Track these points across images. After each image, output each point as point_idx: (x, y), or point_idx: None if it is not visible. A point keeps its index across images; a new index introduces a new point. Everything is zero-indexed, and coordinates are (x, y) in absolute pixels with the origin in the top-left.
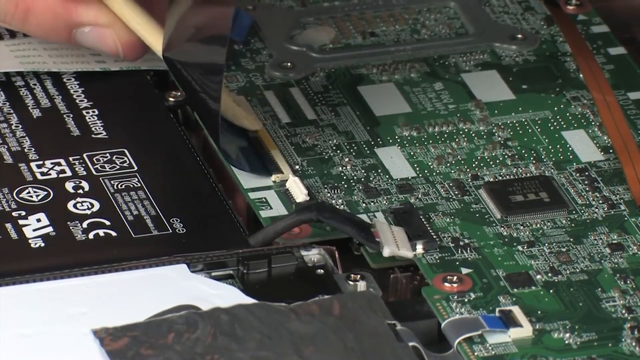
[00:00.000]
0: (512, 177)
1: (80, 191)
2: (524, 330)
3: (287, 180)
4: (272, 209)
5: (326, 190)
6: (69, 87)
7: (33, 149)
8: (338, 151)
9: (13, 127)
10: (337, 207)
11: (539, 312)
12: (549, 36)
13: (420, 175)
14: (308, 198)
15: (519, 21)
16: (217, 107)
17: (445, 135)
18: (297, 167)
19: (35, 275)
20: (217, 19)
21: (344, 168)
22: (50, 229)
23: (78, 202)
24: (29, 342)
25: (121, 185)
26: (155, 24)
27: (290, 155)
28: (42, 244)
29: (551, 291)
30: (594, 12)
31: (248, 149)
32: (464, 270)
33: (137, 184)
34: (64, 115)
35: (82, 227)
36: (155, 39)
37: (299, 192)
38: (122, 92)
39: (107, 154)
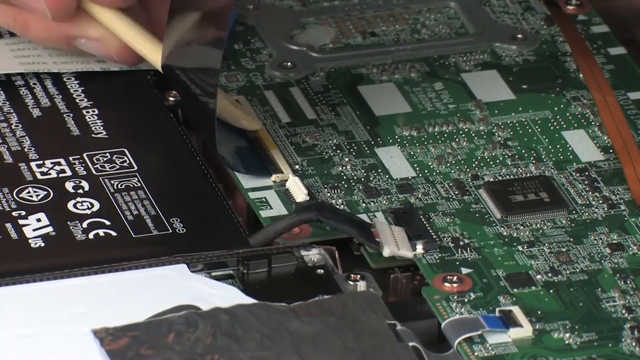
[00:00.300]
0: (512, 177)
1: (80, 191)
2: (524, 330)
3: (287, 180)
4: (272, 208)
5: (326, 190)
6: (69, 86)
7: (33, 149)
8: (338, 151)
9: (13, 127)
10: (337, 207)
11: (539, 312)
12: (549, 36)
13: (420, 175)
14: (308, 198)
15: (519, 21)
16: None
17: (445, 135)
18: (297, 167)
19: (35, 275)
20: (215, 25)
21: (344, 168)
22: (50, 228)
23: (78, 202)
24: (29, 342)
25: (121, 185)
26: (146, 35)
27: (290, 155)
28: (42, 244)
29: (551, 291)
30: (594, 12)
31: (247, 151)
32: (464, 270)
33: (137, 184)
34: (64, 115)
35: (82, 227)
36: (147, 50)
37: (299, 192)
38: (122, 92)
39: (107, 154)
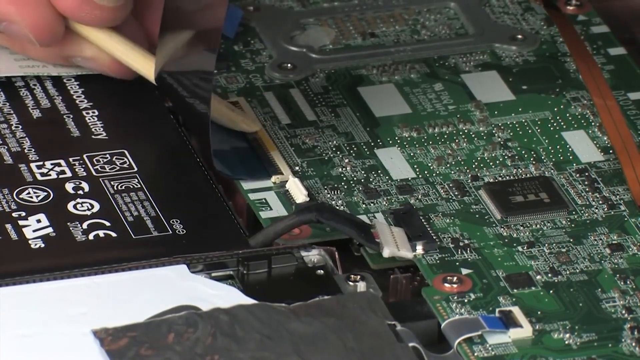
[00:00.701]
0: (512, 177)
1: (80, 192)
2: (524, 330)
3: (287, 181)
4: (272, 210)
5: (326, 191)
6: (69, 87)
7: (33, 150)
8: (338, 152)
9: (13, 128)
10: (337, 208)
11: (539, 312)
12: (549, 37)
13: (420, 176)
14: (308, 199)
15: (519, 21)
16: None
17: (445, 136)
18: (297, 168)
19: (35, 276)
20: (206, 44)
21: (343, 169)
22: (50, 229)
23: (78, 203)
24: (29, 342)
25: (121, 186)
26: (138, 50)
27: (290, 156)
28: (42, 245)
29: (551, 292)
30: (594, 13)
31: (246, 153)
32: (464, 271)
33: (137, 185)
34: (64, 116)
35: (82, 228)
36: (140, 64)
37: (298, 193)
38: (122, 93)
39: (107, 155)
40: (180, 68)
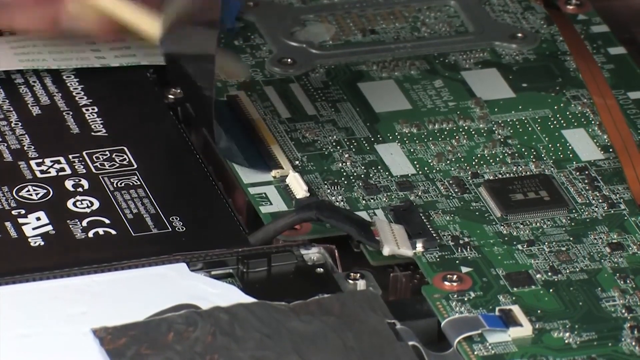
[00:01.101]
0: (512, 175)
1: (80, 189)
2: (524, 329)
3: (287, 175)
4: (272, 204)
5: (326, 186)
6: (68, 84)
7: (32, 147)
8: (338, 147)
9: (12, 125)
10: (337, 203)
11: (539, 311)
12: (549, 35)
13: (420, 172)
14: (308, 194)
15: (519, 20)
16: (212, 94)
17: (445, 133)
18: (297, 162)
19: (34, 274)
20: (207, 8)
21: (343, 164)
22: (49, 227)
23: (78, 201)
24: (29, 342)
25: (121, 184)
26: (143, 11)
27: (290, 150)
28: (42, 243)
29: (551, 290)
30: (594, 12)
31: (247, 145)
32: (464, 269)
33: (136, 182)
34: (64, 113)
35: (81, 226)
36: (144, 23)
37: (299, 187)
38: (122, 90)
39: (107, 152)
40: (186, 43)
